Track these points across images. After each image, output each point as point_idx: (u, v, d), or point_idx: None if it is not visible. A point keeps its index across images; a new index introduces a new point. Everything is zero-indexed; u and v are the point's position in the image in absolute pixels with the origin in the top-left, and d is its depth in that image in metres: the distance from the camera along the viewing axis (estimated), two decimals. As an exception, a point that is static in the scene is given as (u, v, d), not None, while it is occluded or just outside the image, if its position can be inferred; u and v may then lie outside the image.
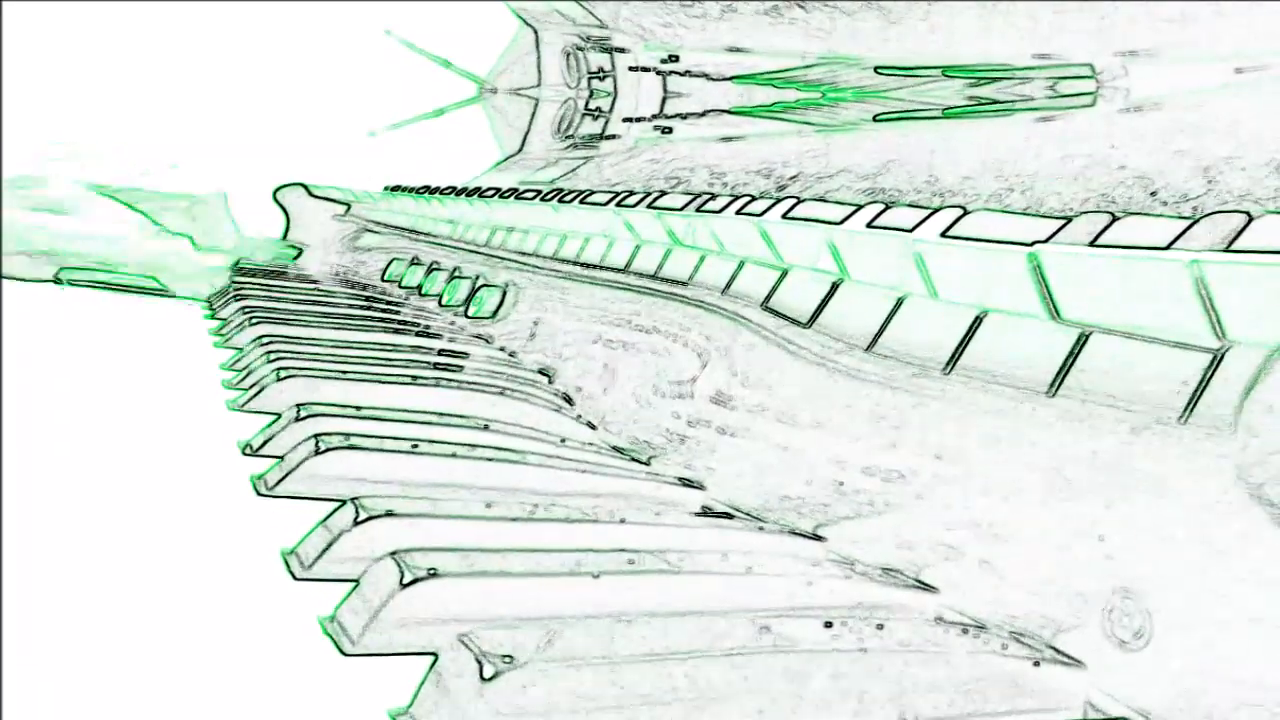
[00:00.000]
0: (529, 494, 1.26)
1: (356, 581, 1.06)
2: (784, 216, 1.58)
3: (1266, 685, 0.93)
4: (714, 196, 1.81)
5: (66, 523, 1.44)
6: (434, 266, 2.42)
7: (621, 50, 2.31)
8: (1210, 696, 0.94)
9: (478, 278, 2.25)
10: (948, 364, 1.24)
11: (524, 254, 2.27)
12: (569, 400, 1.64)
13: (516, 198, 2.36)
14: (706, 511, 1.29)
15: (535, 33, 2.50)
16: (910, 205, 1.44)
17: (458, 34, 2.58)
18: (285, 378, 1.54)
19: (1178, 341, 1.03)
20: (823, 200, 1.61)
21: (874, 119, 1.73)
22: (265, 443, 1.37)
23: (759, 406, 1.42)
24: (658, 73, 2.20)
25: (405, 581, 1.03)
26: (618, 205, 2.00)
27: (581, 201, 2.12)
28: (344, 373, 1.61)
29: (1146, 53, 1.30)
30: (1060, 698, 1.01)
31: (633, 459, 1.45)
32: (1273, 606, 0.93)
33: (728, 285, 1.68)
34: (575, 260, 2.10)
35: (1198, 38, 1.24)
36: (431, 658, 0.98)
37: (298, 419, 1.38)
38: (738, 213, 1.69)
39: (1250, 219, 1.04)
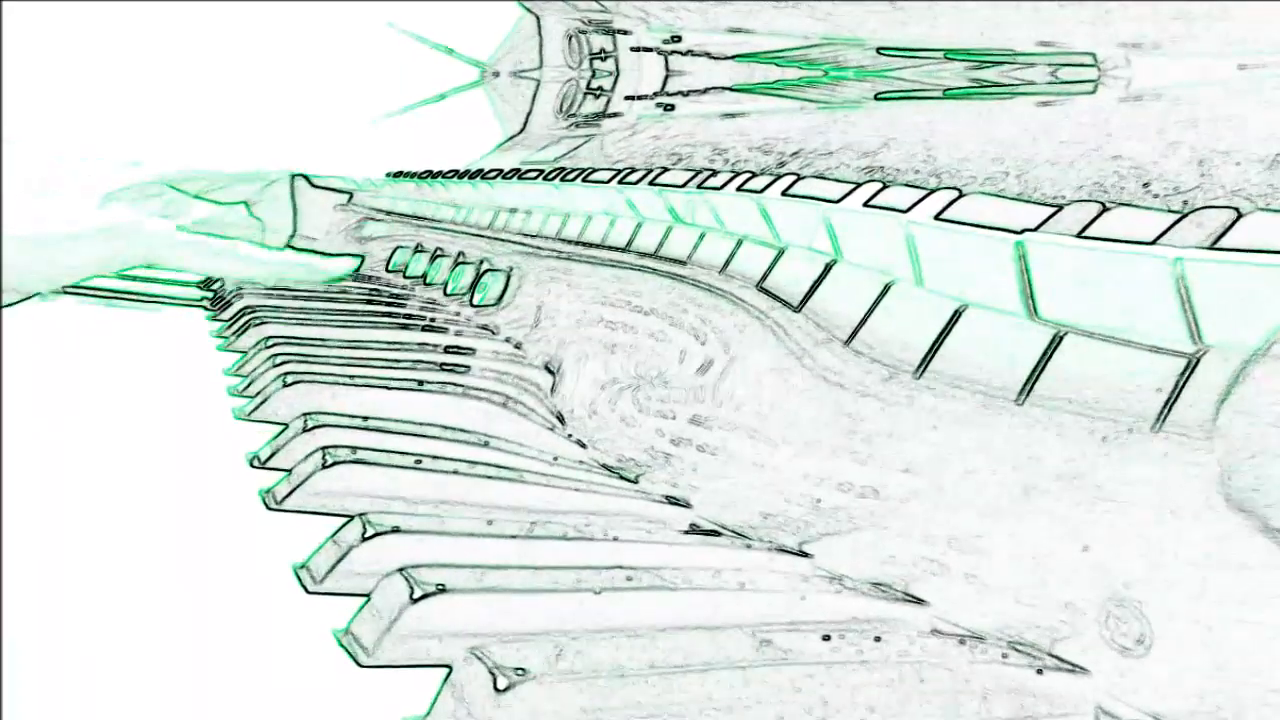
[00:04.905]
0: (527, 511, 1.28)
1: (368, 596, 1.08)
2: (783, 194, 1.58)
3: (1275, 686, 0.94)
4: (715, 173, 1.81)
5: (70, 534, 1.45)
6: (438, 253, 2.43)
7: (624, 32, 2.30)
8: (1220, 698, 0.95)
9: (481, 263, 2.25)
10: (919, 366, 1.25)
11: (527, 235, 2.27)
12: (561, 419, 1.66)
13: (519, 178, 2.36)
14: (694, 529, 1.31)
15: (537, 18, 2.50)
16: (907, 185, 1.44)
17: (459, 25, 2.58)
18: (291, 384, 1.55)
19: (1152, 345, 1.03)
20: (822, 177, 1.61)
21: (875, 97, 1.73)
22: (273, 454, 1.39)
23: (732, 425, 1.43)
24: (660, 52, 2.20)
25: (415, 597, 1.05)
26: (620, 183, 2.00)
27: (584, 180, 2.12)
28: (350, 377, 1.62)
29: (1150, 45, 1.29)
30: (1068, 704, 1.02)
31: (621, 477, 1.46)
32: (1269, 610, 0.95)
33: (725, 264, 1.68)
34: (577, 240, 2.10)
35: (1201, 33, 1.24)
36: (446, 670, 1.00)
37: (305, 429, 1.39)
38: (738, 189, 1.69)
39: (1239, 215, 1.04)
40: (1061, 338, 1.11)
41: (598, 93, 2.40)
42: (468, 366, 1.79)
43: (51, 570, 1.41)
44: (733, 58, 2.04)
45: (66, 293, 1.73)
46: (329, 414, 1.46)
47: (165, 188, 1.71)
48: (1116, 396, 1.05)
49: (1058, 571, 1.05)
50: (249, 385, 1.65)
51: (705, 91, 2.11)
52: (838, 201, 1.45)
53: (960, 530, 1.13)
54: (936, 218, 1.28)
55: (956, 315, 1.23)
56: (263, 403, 1.54)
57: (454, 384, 1.67)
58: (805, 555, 1.23)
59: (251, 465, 1.40)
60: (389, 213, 2.77)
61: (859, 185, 1.46)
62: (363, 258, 1.72)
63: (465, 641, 1.02)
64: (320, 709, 1.15)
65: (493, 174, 2.47)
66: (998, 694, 1.03)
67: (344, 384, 1.59)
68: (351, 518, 1.19)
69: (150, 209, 1.62)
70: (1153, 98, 1.28)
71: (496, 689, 0.95)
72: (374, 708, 1.03)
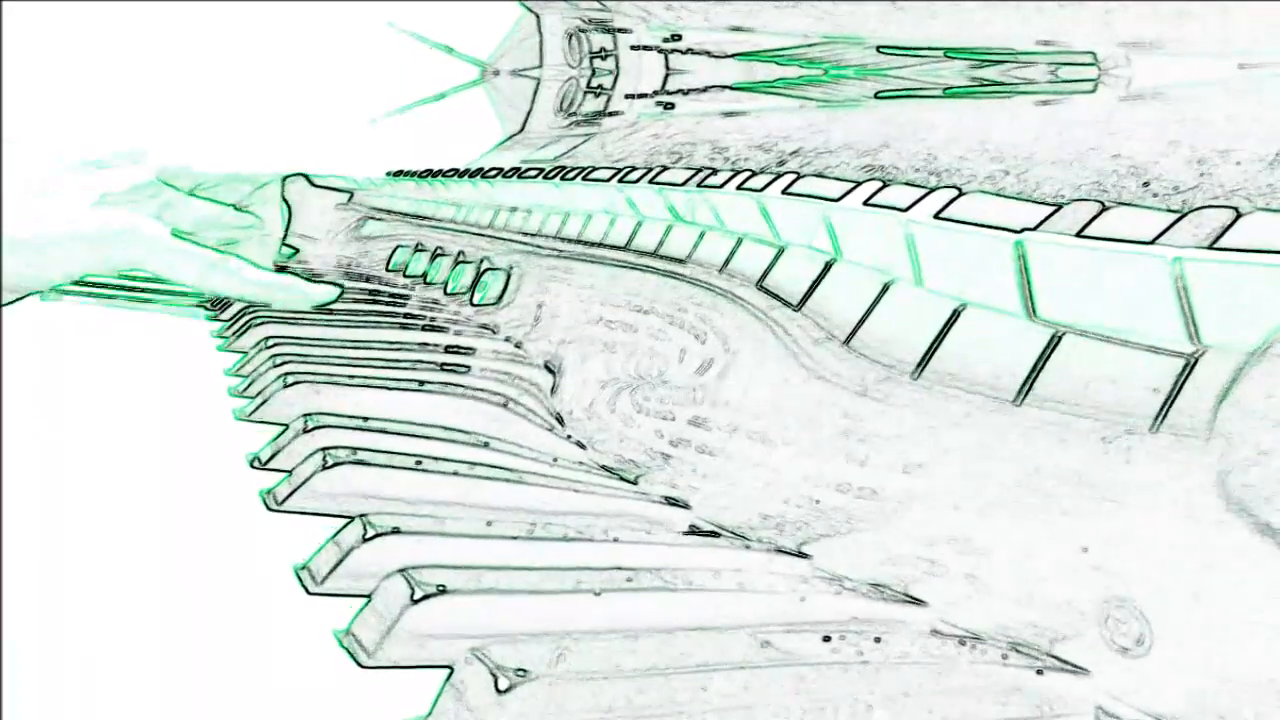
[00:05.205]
0: (527, 512, 1.28)
1: (369, 597, 1.08)
2: (783, 192, 1.58)
3: (1276, 687, 0.94)
4: (715, 171, 1.81)
5: (70, 534, 1.46)
6: (438, 252, 2.43)
7: (624, 30, 2.31)
8: (1222, 699, 0.95)
9: (482, 261, 2.25)
10: (917, 367, 1.25)
11: (527, 234, 2.28)
12: (560, 420, 1.66)
13: (519, 177, 2.36)
14: (694, 530, 1.31)
15: (537, 17, 2.50)
16: (907, 183, 1.44)
17: (459, 24, 2.58)
18: (292, 384, 1.55)
19: (1150, 345, 1.03)
20: (822, 176, 1.61)
21: (875, 96, 1.73)
22: (274, 455, 1.39)
23: (731, 425, 1.43)
24: (660, 51, 2.20)
25: (416, 598, 1.05)
26: (620, 181, 2.00)
27: (584, 178, 2.12)
28: (350, 377, 1.62)
29: (1150, 44, 1.29)
30: (1068, 704, 1.02)
31: (621, 478, 1.46)
32: (1268, 610, 0.95)
33: (725, 263, 1.68)
34: (577, 239, 2.11)
35: (1202, 33, 1.23)
36: (447, 670, 1.00)
37: (305, 430, 1.39)
38: (738, 188, 1.69)
39: (1238, 215, 1.04)
40: (1060, 338, 1.11)
41: (598, 91, 2.40)
42: (468, 367, 1.79)
43: (51, 570, 1.42)
44: (733, 56, 2.04)
45: (65, 293, 1.73)
46: (329, 414, 1.46)
47: (161, 185, 1.70)
48: (1114, 397, 1.05)
49: (1057, 572, 1.05)
50: (249, 386, 1.65)
51: (705, 90, 2.11)
52: (837, 200, 1.45)
53: (959, 531, 1.13)
54: (936, 216, 1.28)
55: (955, 315, 1.23)
56: (263, 403, 1.54)
57: (454, 384, 1.67)
58: (805, 556, 1.23)
59: (252, 466, 1.40)
60: (389, 212, 2.77)
61: (859, 184, 1.46)
62: (343, 289, 1.73)
63: (466, 642, 1.02)
64: (321, 709, 1.16)
65: (493, 173, 2.47)
66: (998, 694, 1.03)
67: (344, 384, 1.59)
68: (352, 519, 1.19)
69: (148, 209, 1.62)
70: (1153, 97, 1.28)
71: (498, 690, 0.95)
72: (375, 708, 1.04)
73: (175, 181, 1.81)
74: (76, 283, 1.53)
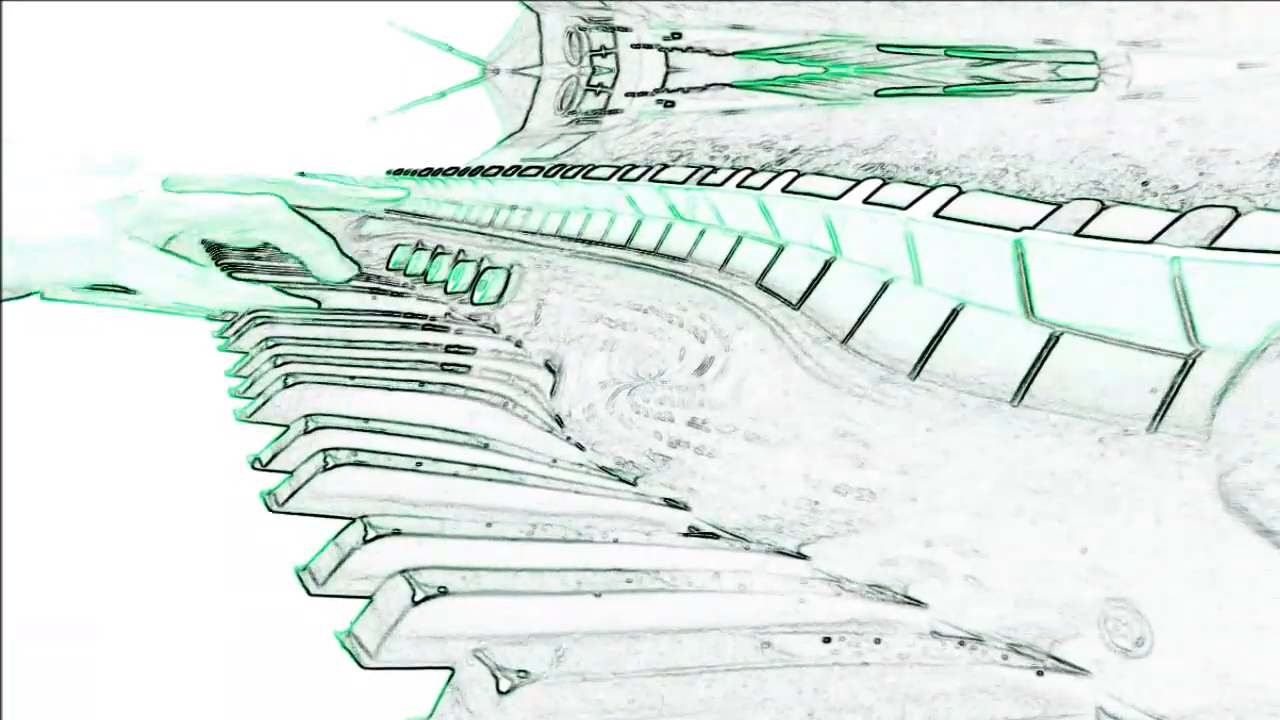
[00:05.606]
0: (527, 514, 1.28)
1: (370, 598, 1.09)
2: (783, 190, 1.57)
3: (1275, 687, 0.94)
4: (715, 169, 1.81)
5: (70, 536, 1.46)
6: (439, 251, 2.43)
7: (624, 29, 2.30)
8: (1220, 699, 0.95)
9: (482, 260, 2.25)
10: (916, 366, 1.25)
11: (527, 232, 2.28)
12: (560, 422, 1.66)
13: (519, 175, 2.36)
14: (693, 531, 1.31)
15: (537, 15, 2.50)
16: (907, 182, 1.44)
17: (459, 23, 2.58)
18: (292, 385, 1.55)
19: (1148, 345, 1.03)
20: (822, 174, 1.61)
21: (875, 94, 1.72)
22: (275, 456, 1.39)
23: (730, 426, 1.43)
24: (660, 49, 2.20)
25: (417, 599, 1.05)
26: (620, 179, 2.00)
27: (584, 176, 2.12)
28: (351, 377, 1.62)
29: (1150, 43, 1.29)
30: (1069, 705, 1.02)
31: (620, 480, 1.46)
32: (1267, 611, 0.95)
33: (725, 261, 1.68)
34: (578, 237, 2.11)
35: (1203, 33, 1.23)
36: (448, 672, 1.00)
37: (306, 431, 1.39)
38: (738, 186, 1.69)
39: (1237, 214, 1.04)
40: (1058, 337, 1.11)
41: (598, 89, 2.40)
42: (468, 367, 1.79)
43: (51, 571, 1.42)
44: (733, 54, 2.04)
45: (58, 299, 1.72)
46: (330, 415, 1.46)
47: (159, 189, 1.70)
48: (1112, 397, 1.05)
49: (1056, 573, 1.05)
50: (250, 386, 1.65)
51: (705, 88, 2.11)
52: (837, 198, 1.45)
53: (958, 532, 1.13)
54: (935, 215, 1.28)
55: (954, 314, 1.23)
56: (264, 404, 1.54)
57: (455, 385, 1.67)
58: (804, 557, 1.23)
59: (253, 467, 1.40)
60: (390, 210, 2.77)
61: (859, 182, 1.46)
62: (319, 303, 1.73)
63: (467, 643, 1.02)
64: (323, 710, 1.16)
65: (493, 171, 2.46)
66: (998, 695, 1.03)
67: (345, 385, 1.59)
68: (353, 520, 1.19)
69: (136, 215, 1.62)
70: (1152, 96, 1.28)
71: (499, 691, 0.95)
72: (376, 709, 1.04)
73: (179, 191, 1.80)
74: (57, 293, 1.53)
